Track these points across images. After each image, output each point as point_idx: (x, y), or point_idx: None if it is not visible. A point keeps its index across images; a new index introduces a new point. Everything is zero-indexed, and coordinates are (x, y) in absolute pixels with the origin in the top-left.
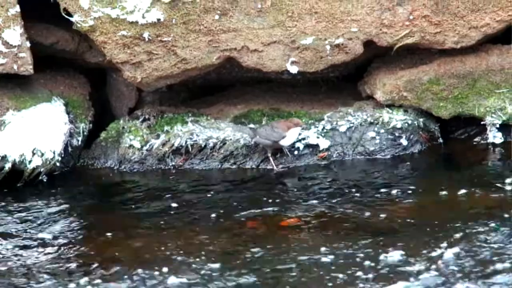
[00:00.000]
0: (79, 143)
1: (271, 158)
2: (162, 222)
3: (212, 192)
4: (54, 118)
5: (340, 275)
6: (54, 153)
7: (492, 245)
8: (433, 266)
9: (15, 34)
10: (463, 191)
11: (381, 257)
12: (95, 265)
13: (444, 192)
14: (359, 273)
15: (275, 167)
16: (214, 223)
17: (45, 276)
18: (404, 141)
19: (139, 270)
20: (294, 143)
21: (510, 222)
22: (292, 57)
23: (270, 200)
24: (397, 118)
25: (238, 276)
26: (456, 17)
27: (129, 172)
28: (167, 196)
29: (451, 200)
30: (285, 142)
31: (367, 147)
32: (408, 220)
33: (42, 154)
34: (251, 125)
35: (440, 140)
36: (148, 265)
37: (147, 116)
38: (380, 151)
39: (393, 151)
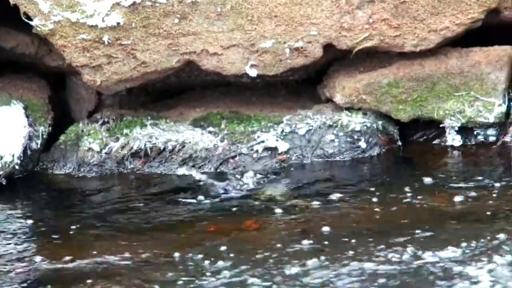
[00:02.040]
0: (38, 146)
1: None
2: (118, 225)
3: (171, 196)
4: (13, 121)
5: None
6: (13, 156)
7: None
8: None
9: None
10: (413, 194)
11: None
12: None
13: (394, 195)
14: None
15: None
16: (171, 227)
17: None
18: (363, 144)
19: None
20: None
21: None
22: (252, 60)
23: (230, 203)
24: (356, 121)
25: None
26: (416, 20)
27: (88, 175)
28: (125, 199)
29: (403, 203)
30: None
31: (326, 150)
32: (354, 225)
33: (1, 158)
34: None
35: (399, 143)
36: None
37: (106, 119)
38: (339, 153)
39: (351, 153)
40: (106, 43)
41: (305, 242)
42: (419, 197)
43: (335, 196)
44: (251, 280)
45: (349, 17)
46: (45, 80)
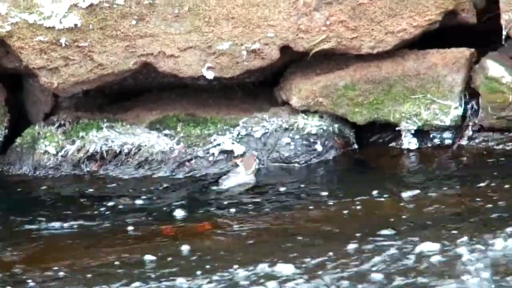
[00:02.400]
0: None
1: None
2: (70, 230)
3: (126, 199)
4: None
5: None
6: None
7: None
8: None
9: None
10: (367, 197)
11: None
12: None
13: (349, 199)
14: None
15: None
16: (126, 230)
17: None
18: (319, 147)
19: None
20: None
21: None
22: (209, 62)
23: (182, 206)
24: (312, 124)
25: None
26: (373, 22)
27: (44, 178)
28: (79, 202)
29: (355, 206)
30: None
31: (282, 153)
32: (307, 226)
33: None
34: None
35: (355, 146)
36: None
37: (62, 122)
38: (295, 157)
39: (308, 157)
40: (63, 45)
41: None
42: (372, 201)
43: (288, 203)
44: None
45: (307, 19)
46: (2, 82)
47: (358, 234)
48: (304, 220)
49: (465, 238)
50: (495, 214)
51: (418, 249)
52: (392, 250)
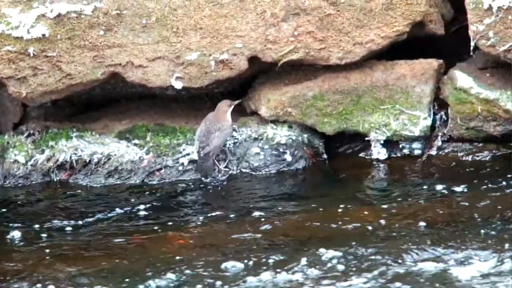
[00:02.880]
0: None
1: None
2: (39, 240)
3: (97, 208)
4: None
5: None
6: None
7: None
8: None
9: None
10: (337, 207)
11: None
12: None
13: (319, 208)
14: None
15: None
16: (98, 240)
17: None
18: (288, 157)
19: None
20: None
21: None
22: (177, 72)
23: (152, 216)
24: (282, 134)
25: None
26: (341, 33)
27: (14, 187)
28: (49, 212)
29: (323, 216)
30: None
31: (252, 163)
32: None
33: None
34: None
35: (325, 156)
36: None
37: (32, 131)
38: (265, 166)
39: (277, 166)
40: (32, 55)
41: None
42: (339, 211)
43: (257, 213)
44: None
45: (274, 30)
46: None
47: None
48: (270, 229)
49: (427, 252)
50: (463, 224)
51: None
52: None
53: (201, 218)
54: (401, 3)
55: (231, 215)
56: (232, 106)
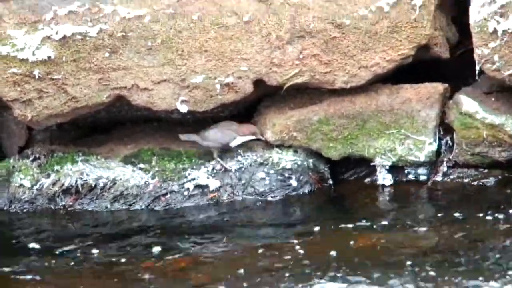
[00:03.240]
0: None
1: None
2: (46, 264)
3: (102, 233)
4: None
5: None
6: None
7: None
8: None
9: None
10: (341, 233)
11: None
12: None
13: (323, 234)
14: None
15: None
16: (104, 267)
17: None
18: (293, 182)
19: None
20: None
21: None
22: (182, 96)
23: (159, 242)
24: (287, 159)
25: None
26: (346, 56)
27: (19, 212)
28: (54, 238)
29: (325, 241)
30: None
31: (257, 188)
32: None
33: None
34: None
35: (330, 181)
36: None
37: (37, 155)
38: (270, 192)
39: (282, 192)
40: (37, 77)
41: None
42: (345, 237)
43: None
44: None
45: (280, 53)
46: None
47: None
48: (278, 255)
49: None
50: (469, 251)
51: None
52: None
53: (207, 243)
54: (406, 26)
55: (237, 241)
56: None
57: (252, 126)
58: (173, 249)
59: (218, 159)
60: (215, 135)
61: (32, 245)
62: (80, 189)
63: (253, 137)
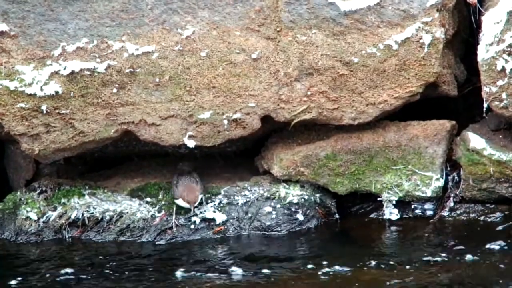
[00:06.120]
0: None
1: (174, 210)
2: None
3: (107, 266)
4: None
5: None
6: None
7: None
8: None
9: None
10: (347, 268)
11: None
12: None
13: (330, 270)
14: None
15: (173, 220)
16: None
17: None
18: (300, 217)
19: None
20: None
21: None
22: (190, 131)
23: (164, 275)
24: (294, 193)
25: None
26: (354, 93)
27: (26, 244)
28: (60, 270)
29: (332, 276)
30: (177, 202)
31: (264, 222)
32: None
33: None
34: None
35: (337, 216)
36: None
37: (44, 188)
38: (277, 226)
39: (289, 226)
40: (45, 112)
41: None
42: (350, 274)
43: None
44: None
45: (288, 89)
46: None
47: None
48: None
49: None
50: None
51: None
52: None
53: (213, 277)
54: (415, 64)
55: (243, 275)
56: None
57: (194, 195)
58: (177, 281)
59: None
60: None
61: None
62: (87, 222)
63: (187, 206)
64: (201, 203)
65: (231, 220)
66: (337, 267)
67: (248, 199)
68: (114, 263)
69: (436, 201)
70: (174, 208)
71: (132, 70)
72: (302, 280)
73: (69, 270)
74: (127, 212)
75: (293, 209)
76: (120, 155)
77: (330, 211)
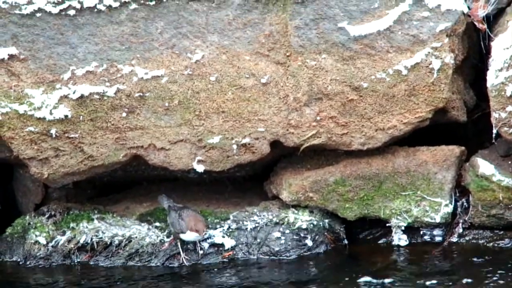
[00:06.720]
0: None
1: (180, 248)
2: None
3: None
4: None
5: None
6: None
7: None
8: None
9: None
10: None
11: None
12: None
13: None
14: None
15: (182, 256)
16: None
17: None
18: (309, 242)
19: None
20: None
21: None
22: (199, 156)
23: None
24: (303, 219)
25: None
26: (363, 119)
27: (34, 268)
28: None
29: None
30: (184, 237)
31: (272, 247)
32: None
33: None
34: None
35: (345, 241)
36: None
37: (53, 213)
38: (285, 251)
39: (298, 251)
40: (54, 135)
41: None
42: None
43: None
44: None
45: (297, 114)
46: None
47: None
48: None
49: None
50: None
51: None
52: None
53: None
54: (424, 89)
55: None
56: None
57: (203, 224)
58: None
59: (180, 248)
60: (173, 219)
61: None
62: (95, 247)
63: (197, 237)
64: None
65: (239, 245)
66: None
67: (257, 224)
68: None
69: (445, 227)
70: (179, 245)
71: (141, 94)
72: None
73: None
74: (136, 237)
75: (302, 235)
76: (129, 180)
77: (339, 236)
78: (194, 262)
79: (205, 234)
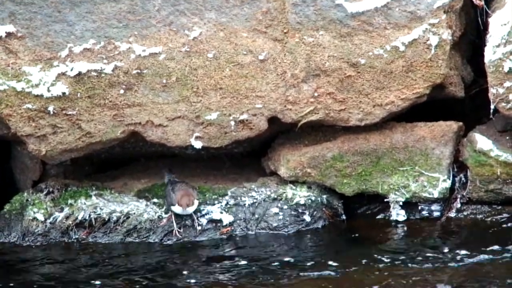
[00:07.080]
0: None
1: (173, 221)
2: None
3: (114, 268)
4: None
5: None
6: None
7: None
8: None
9: None
10: (353, 268)
11: None
12: None
13: (335, 270)
14: None
15: (175, 229)
16: None
17: None
18: (307, 217)
19: None
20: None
21: None
22: (197, 132)
23: (173, 275)
24: (301, 195)
25: None
26: (361, 95)
27: (32, 245)
28: (67, 270)
29: (340, 279)
30: (174, 210)
31: (270, 223)
32: None
33: None
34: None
35: (343, 217)
36: None
37: (51, 189)
38: (283, 226)
39: (296, 227)
40: (52, 113)
41: None
42: (355, 274)
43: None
44: None
45: (295, 91)
46: None
47: None
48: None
49: None
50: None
51: None
52: None
53: (221, 278)
54: (422, 65)
55: (249, 277)
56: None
57: (186, 198)
58: (185, 282)
59: (173, 218)
60: (167, 192)
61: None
62: (94, 223)
63: (184, 211)
64: (195, 212)
65: (238, 221)
66: (341, 267)
67: (255, 200)
68: (121, 265)
69: (443, 202)
70: (173, 219)
71: (139, 71)
72: (307, 280)
73: (77, 273)
74: (134, 213)
75: (300, 210)
76: (127, 156)
77: (337, 212)
78: (192, 237)
79: (188, 208)
